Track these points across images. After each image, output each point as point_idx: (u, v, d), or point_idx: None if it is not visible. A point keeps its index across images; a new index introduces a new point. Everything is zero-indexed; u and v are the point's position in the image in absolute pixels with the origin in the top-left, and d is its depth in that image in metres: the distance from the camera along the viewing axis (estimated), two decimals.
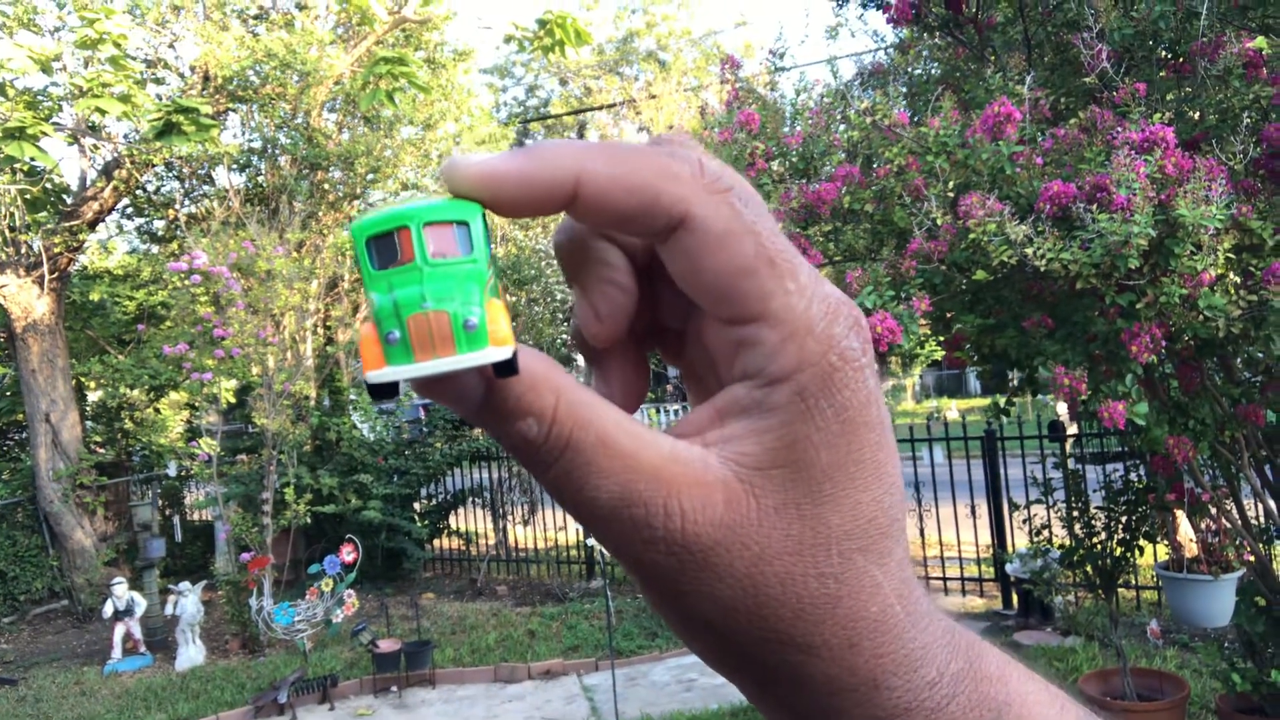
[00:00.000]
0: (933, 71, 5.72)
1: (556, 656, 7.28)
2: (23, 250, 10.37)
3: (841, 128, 4.11)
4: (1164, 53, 3.81)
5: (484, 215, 0.31)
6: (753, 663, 0.34)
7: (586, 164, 0.31)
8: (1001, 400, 4.96)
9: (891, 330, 2.90)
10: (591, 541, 6.47)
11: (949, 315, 3.92)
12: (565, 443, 0.31)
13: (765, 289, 0.32)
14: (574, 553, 10.18)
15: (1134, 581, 7.02)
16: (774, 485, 0.32)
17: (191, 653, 7.89)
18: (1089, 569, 4.92)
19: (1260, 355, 3.46)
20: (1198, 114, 3.64)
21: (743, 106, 3.93)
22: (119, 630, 8.10)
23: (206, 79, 10.32)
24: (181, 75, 11.23)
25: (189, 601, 7.83)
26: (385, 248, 0.30)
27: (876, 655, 0.33)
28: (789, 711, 0.35)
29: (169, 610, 7.99)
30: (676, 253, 0.32)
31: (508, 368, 0.30)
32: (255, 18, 11.50)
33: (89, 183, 10.72)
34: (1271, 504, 3.98)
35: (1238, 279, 3.08)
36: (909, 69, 5.12)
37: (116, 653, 8.07)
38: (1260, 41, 3.32)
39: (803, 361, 0.32)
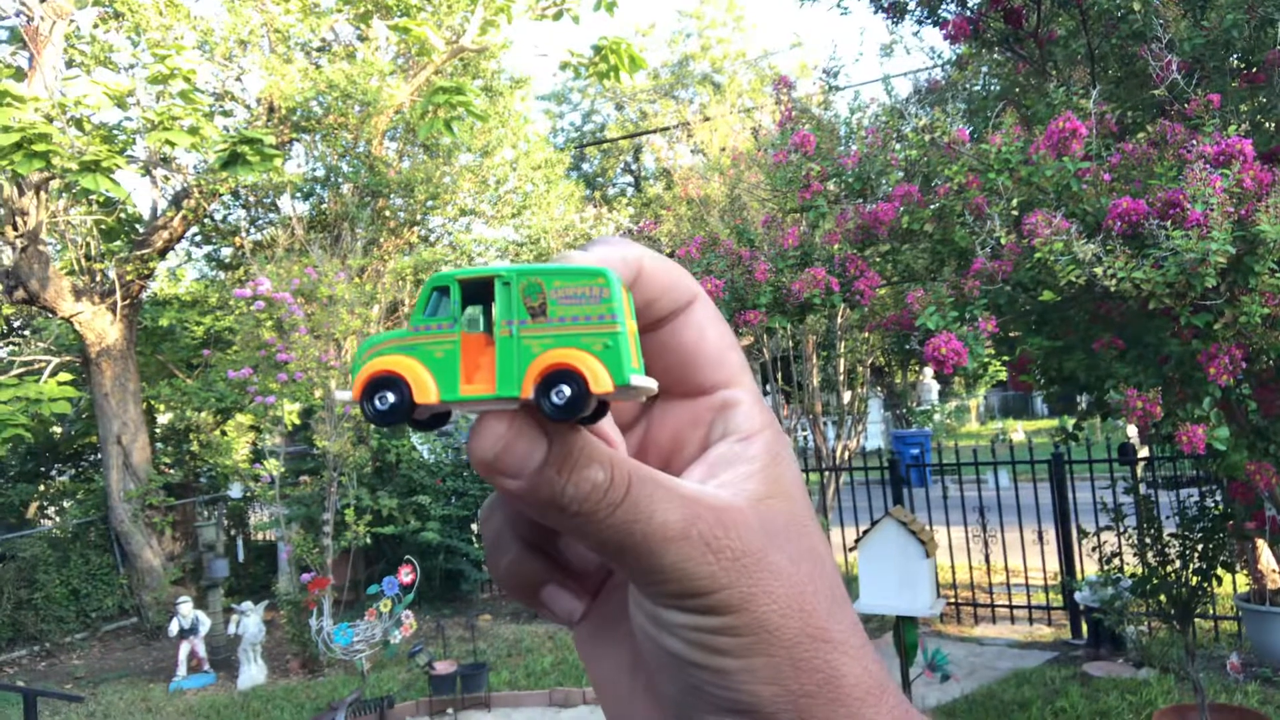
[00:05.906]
0: (992, 87, 5.61)
1: None
2: (97, 278, 10.74)
3: (898, 146, 4.05)
4: (1237, 62, 3.69)
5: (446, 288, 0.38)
6: (803, 669, 0.37)
7: (643, 255, 0.41)
8: (1070, 423, 4.82)
9: (957, 352, 2.82)
10: None
11: (1013, 335, 3.82)
12: (629, 480, 0.36)
13: (738, 362, 0.43)
14: None
15: (1212, 612, 6.73)
16: (778, 510, 0.39)
17: (253, 672, 8.01)
18: (1163, 598, 4.73)
19: None
20: (1274, 125, 3.51)
21: (797, 127, 3.88)
22: (184, 648, 8.27)
23: (271, 110, 10.61)
24: (248, 107, 11.58)
25: (251, 621, 7.96)
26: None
27: (876, 660, 0.40)
28: None
29: (232, 629, 8.13)
30: (690, 324, 0.42)
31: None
32: (318, 50, 11.81)
33: (160, 212, 11.08)
34: None
35: None
36: (967, 85, 5.03)
37: (181, 670, 8.24)
38: None
39: (764, 421, 0.42)
